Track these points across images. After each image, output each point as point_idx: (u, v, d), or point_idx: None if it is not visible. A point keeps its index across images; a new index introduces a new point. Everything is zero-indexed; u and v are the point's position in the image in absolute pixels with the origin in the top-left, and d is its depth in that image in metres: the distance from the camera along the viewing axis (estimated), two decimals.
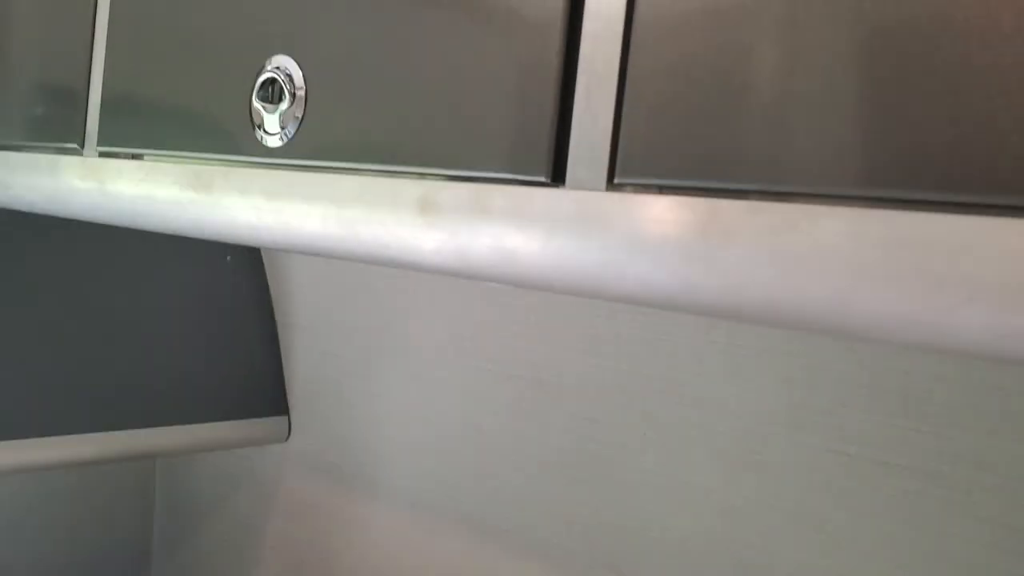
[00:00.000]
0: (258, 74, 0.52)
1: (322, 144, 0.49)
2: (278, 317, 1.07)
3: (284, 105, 0.50)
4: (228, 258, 1.03)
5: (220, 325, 1.03)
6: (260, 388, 1.05)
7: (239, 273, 1.04)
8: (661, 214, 0.35)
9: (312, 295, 1.03)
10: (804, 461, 0.65)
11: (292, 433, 1.07)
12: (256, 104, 0.52)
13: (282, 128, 0.50)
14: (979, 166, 0.28)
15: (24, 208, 0.74)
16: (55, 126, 0.70)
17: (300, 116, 0.49)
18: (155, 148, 0.60)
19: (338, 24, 0.48)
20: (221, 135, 0.55)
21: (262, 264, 1.07)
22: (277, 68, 0.50)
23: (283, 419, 1.06)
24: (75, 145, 0.67)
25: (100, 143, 0.65)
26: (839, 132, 0.31)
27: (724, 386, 0.69)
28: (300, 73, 0.50)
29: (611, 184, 0.37)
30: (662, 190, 0.35)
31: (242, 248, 1.04)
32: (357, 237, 0.47)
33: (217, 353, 1.02)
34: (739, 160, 0.33)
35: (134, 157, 0.62)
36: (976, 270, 0.27)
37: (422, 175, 0.44)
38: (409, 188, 0.45)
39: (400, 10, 0.46)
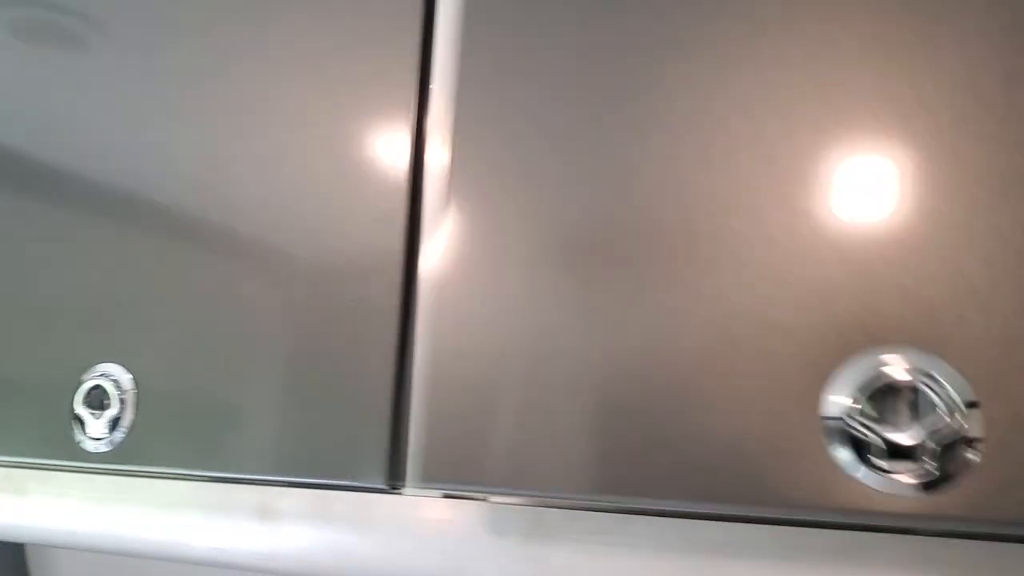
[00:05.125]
0: (81, 381, 0.51)
1: (152, 449, 0.49)
2: None
3: (112, 411, 0.50)
4: None
5: None
6: None
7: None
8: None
9: None
10: None
11: None
12: (80, 410, 0.51)
13: (110, 433, 0.50)
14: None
15: None
16: None
17: (129, 421, 0.49)
18: None
19: (168, 330, 0.50)
20: (41, 440, 0.53)
21: (23, 559, 0.99)
22: (103, 375, 0.50)
23: None
24: None
25: None
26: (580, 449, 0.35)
27: None
28: (129, 377, 0.50)
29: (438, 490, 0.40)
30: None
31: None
32: (190, 543, 0.47)
33: None
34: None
35: None
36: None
37: (260, 482, 0.45)
38: (246, 494, 0.45)
39: (230, 319, 0.48)
